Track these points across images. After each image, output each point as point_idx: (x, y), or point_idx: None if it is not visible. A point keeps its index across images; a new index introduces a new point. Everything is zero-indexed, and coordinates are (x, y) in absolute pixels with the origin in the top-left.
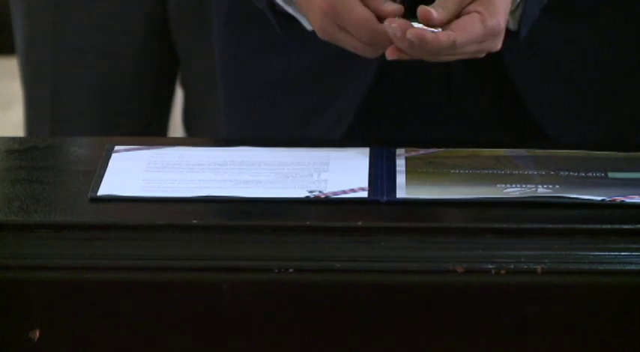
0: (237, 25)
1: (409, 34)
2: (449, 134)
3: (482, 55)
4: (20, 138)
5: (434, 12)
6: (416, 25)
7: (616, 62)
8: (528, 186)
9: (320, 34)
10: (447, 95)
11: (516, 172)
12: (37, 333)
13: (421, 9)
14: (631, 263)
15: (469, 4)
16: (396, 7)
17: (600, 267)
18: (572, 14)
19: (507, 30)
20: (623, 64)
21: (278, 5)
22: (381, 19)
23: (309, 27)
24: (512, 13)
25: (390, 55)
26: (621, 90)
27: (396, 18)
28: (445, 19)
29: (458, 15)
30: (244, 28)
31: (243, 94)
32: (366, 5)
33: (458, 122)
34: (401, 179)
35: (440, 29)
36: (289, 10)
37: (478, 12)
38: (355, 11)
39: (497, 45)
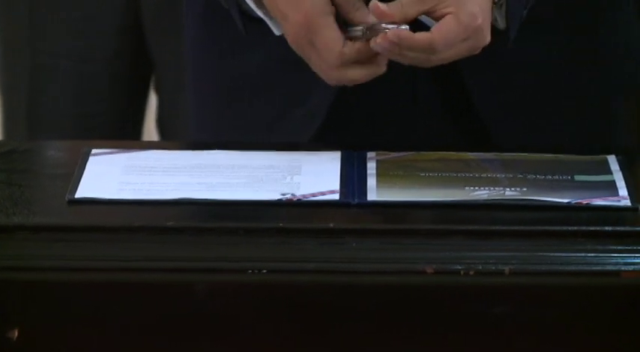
0: (213, 21)
1: (389, 34)
2: (416, 136)
3: (477, 51)
4: None
5: (382, 5)
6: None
7: (573, 74)
8: (496, 188)
9: (292, 46)
10: (412, 96)
11: (485, 175)
12: (16, 333)
13: (372, 4)
14: (597, 264)
15: (437, 4)
16: (365, 13)
17: (567, 268)
18: (531, 25)
19: (497, 29)
20: (581, 76)
21: (246, 7)
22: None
23: (277, 32)
24: (498, 9)
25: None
26: (578, 102)
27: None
28: (402, 15)
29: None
30: (220, 23)
31: (216, 92)
32: (339, 11)
33: (424, 124)
34: (372, 182)
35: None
36: (259, 13)
37: (450, 12)
38: (327, 30)
39: (486, 38)
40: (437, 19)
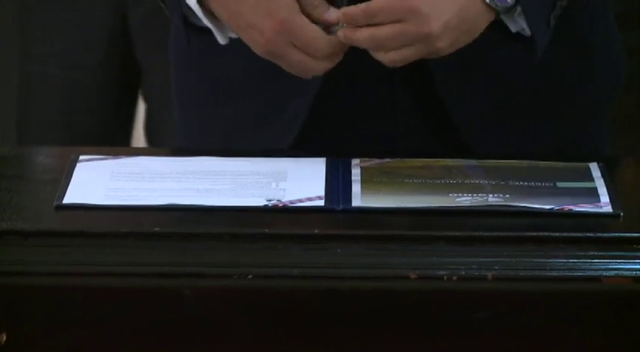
0: (196, 25)
1: (341, 12)
2: (395, 139)
3: (426, 56)
4: None
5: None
6: None
7: (553, 84)
8: (479, 195)
9: (264, 53)
10: (391, 99)
11: (468, 182)
12: (4, 337)
13: (343, 10)
14: (578, 269)
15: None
16: (337, 15)
17: (549, 274)
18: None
19: (524, 36)
20: (561, 86)
21: (192, 18)
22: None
23: (222, 41)
24: (511, 16)
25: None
26: (559, 112)
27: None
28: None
29: None
30: (203, 27)
31: (199, 93)
32: (309, 17)
33: (402, 130)
34: (356, 188)
35: None
36: (206, 22)
37: None
38: (307, 29)
39: (435, 44)
40: None
